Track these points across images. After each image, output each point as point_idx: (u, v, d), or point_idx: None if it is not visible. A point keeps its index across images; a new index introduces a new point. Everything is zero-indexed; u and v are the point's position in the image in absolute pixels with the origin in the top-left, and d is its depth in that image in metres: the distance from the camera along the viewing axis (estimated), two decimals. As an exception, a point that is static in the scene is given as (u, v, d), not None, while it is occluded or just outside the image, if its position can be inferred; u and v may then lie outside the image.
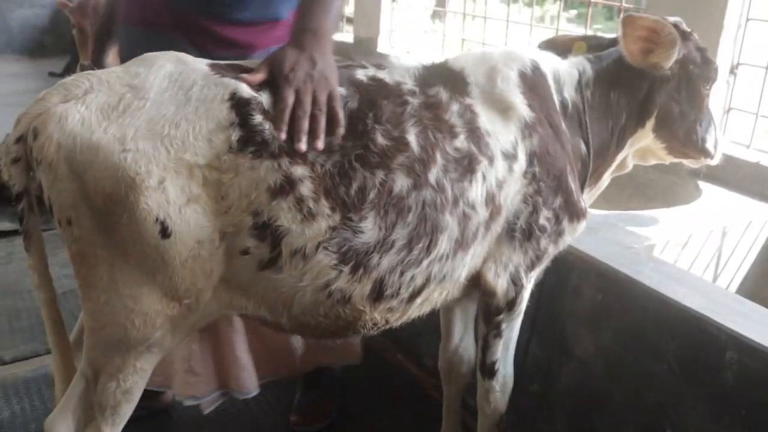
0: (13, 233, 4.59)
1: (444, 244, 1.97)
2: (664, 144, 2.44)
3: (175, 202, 1.71)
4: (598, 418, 2.48)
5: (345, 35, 6.76)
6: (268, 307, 1.94)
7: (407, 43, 6.00)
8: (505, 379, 2.33)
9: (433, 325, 2.97)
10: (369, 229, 1.86)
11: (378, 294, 1.94)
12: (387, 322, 2.06)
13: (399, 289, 1.96)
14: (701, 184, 3.40)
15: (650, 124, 2.37)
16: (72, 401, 2.00)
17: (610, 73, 2.32)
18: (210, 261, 1.80)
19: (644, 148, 2.48)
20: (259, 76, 1.82)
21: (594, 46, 2.43)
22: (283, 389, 3.16)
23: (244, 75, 1.82)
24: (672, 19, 2.35)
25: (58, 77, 9.38)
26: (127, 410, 1.94)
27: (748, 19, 3.45)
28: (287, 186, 1.77)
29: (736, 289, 3.17)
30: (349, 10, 6.48)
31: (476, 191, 1.99)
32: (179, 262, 1.75)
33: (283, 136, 1.76)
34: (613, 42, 2.37)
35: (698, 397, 2.15)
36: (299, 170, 1.78)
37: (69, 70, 9.42)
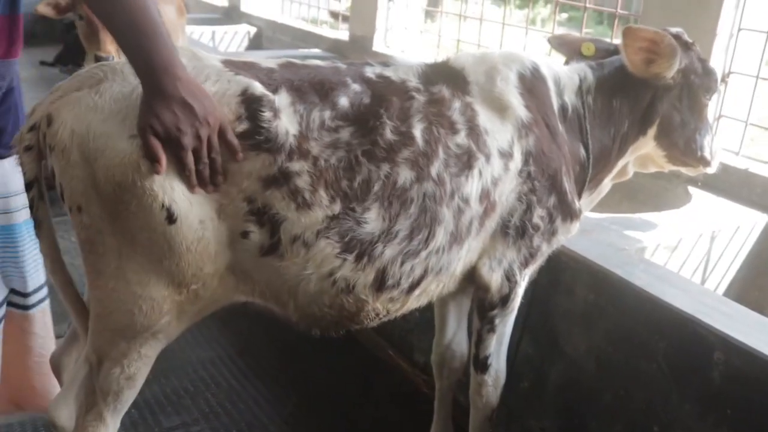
0: None
1: (441, 236, 2.03)
2: (665, 152, 2.49)
3: (178, 187, 1.75)
4: (588, 416, 2.54)
5: (340, 33, 6.78)
6: (274, 295, 1.99)
7: (402, 43, 6.03)
8: (498, 373, 2.38)
9: (424, 322, 3.02)
10: (373, 219, 1.93)
11: (380, 283, 2.00)
12: (388, 312, 2.11)
13: (400, 279, 2.02)
14: (691, 189, 3.46)
15: (652, 131, 2.42)
16: (75, 386, 2.04)
17: (612, 80, 2.37)
18: (214, 243, 1.84)
19: (645, 155, 2.53)
20: (158, 158, 1.71)
21: (601, 50, 2.47)
22: (276, 381, 3.21)
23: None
24: (674, 30, 2.40)
25: (49, 66, 9.34)
26: (129, 396, 1.97)
27: (740, 29, 3.52)
28: (281, 178, 1.83)
29: (723, 292, 3.24)
30: (345, 7, 6.49)
31: (471, 186, 2.06)
32: (185, 246, 1.79)
33: (207, 189, 1.78)
34: (619, 49, 2.40)
35: (686, 397, 2.21)
36: (297, 165, 1.84)
37: (60, 59, 9.36)
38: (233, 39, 7.74)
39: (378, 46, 5.94)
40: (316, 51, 6.58)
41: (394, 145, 1.94)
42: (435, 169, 1.99)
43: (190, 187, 1.74)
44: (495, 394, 2.41)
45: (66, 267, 2.00)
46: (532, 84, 2.22)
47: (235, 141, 1.77)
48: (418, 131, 1.98)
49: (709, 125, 2.51)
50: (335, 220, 1.89)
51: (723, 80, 3.63)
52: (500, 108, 2.14)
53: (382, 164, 1.92)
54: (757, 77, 3.53)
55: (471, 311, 2.44)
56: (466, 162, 2.04)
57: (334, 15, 8.21)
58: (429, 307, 2.65)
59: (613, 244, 2.68)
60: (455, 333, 2.67)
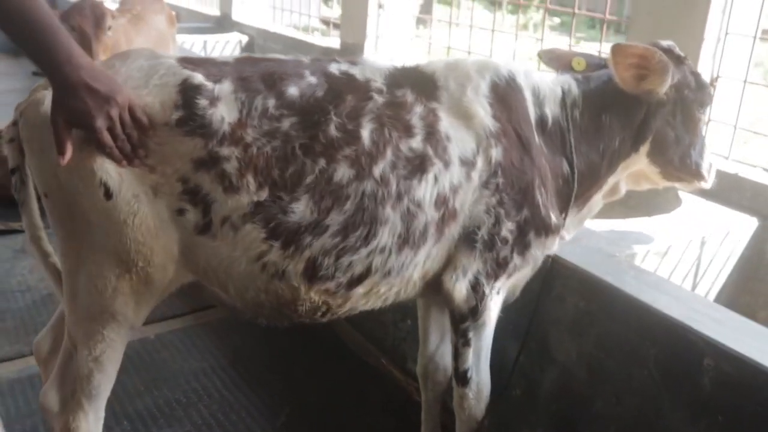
0: (-4, 234, 4.58)
1: (385, 236, 2.05)
2: (659, 169, 2.43)
3: (110, 165, 1.89)
4: (581, 423, 2.53)
5: (332, 40, 6.80)
6: (214, 277, 2.07)
7: (393, 50, 6.05)
8: (479, 386, 2.36)
9: (416, 331, 3.01)
10: (300, 210, 1.97)
11: (312, 273, 2.04)
12: (329, 306, 2.14)
13: (335, 272, 2.05)
14: (681, 194, 3.47)
15: (645, 148, 2.37)
16: (62, 373, 2.21)
17: (600, 95, 2.32)
18: (152, 218, 1.95)
19: (638, 172, 2.47)
20: (63, 151, 1.83)
21: (592, 65, 2.43)
22: (269, 391, 3.20)
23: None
24: (665, 43, 2.37)
25: (41, 76, 9.35)
26: (101, 381, 2.07)
27: (726, 33, 3.54)
28: (210, 162, 1.92)
29: (714, 297, 3.25)
30: (336, 15, 6.52)
31: (425, 191, 2.06)
32: (122, 219, 1.92)
33: (133, 162, 1.91)
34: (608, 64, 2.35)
35: (677, 403, 2.21)
36: (226, 151, 1.92)
37: (52, 69, 9.34)
38: (225, 48, 7.76)
39: (369, 53, 5.96)
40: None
41: (335, 142, 1.98)
42: (379, 169, 2.00)
43: (117, 162, 1.86)
44: (478, 407, 2.39)
45: (45, 241, 2.21)
46: (505, 93, 2.20)
47: (144, 118, 1.87)
48: (366, 131, 2.01)
49: (703, 139, 2.47)
50: (261, 206, 1.96)
51: (711, 84, 3.65)
52: (466, 116, 2.13)
53: (318, 158, 1.96)
54: (745, 81, 3.55)
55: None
56: (418, 165, 2.05)
57: (326, 22, 8.23)
58: (418, 318, 2.66)
59: (603, 251, 2.69)
60: (438, 346, 2.66)
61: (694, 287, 3.15)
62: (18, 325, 3.64)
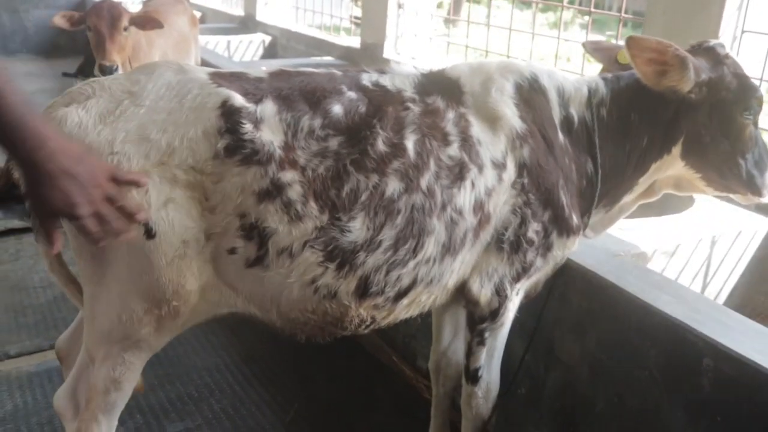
0: (21, 231, 4.70)
1: (431, 247, 2.04)
2: (699, 174, 2.29)
3: (156, 204, 1.79)
4: (583, 423, 2.53)
5: (352, 40, 6.83)
6: (257, 304, 2.02)
7: (413, 49, 6.07)
8: (489, 386, 2.38)
9: (426, 328, 3.03)
10: (357, 228, 1.94)
11: (363, 291, 2.02)
12: (374, 319, 2.12)
13: (384, 287, 2.03)
14: (695, 194, 3.43)
15: (677, 150, 2.25)
16: (76, 381, 2.18)
17: (629, 93, 2.26)
18: (197, 260, 1.87)
19: (678, 176, 2.35)
20: (53, 243, 1.59)
21: None
22: (280, 388, 3.24)
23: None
24: (713, 42, 2.26)
25: (71, 77, 9.53)
26: (117, 399, 2.04)
27: (743, 31, 3.48)
28: (274, 191, 1.85)
29: (725, 298, 3.20)
30: (356, 14, 6.55)
31: (465, 198, 2.05)
32: (165, 262, 1.83)
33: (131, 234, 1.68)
34: None
35: (677, 403, 2.19)
36: (288, 175, 1.85)
37: (82, 70, 9.55)
38: (248, 48, 7.84)
39: (388, 53, 5.98)
40: (328, 59, 6.64)
41: (384, 156, 1.95)
42: (425, 181, 1.99)
43: (95, 243, 1.59)
44: (486, 406, 2.41)
45: (66, 266, 2.13)
46: (529, 95, 2.19)
47: (130, 177, 1.66)
48: (410, 143, 1.99)
49: (761, 148, 2.27)
50: (322, 230, 1.91)
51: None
52: (493, 118, 2.12)
53: (371, 174, 1.94)
54: (761, 79, 3.49)
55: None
56: (458, 174, 2.04)
57: (357, 22, 8.26)
58: (432, 313, 2.67)
59: (608, 250, 2.67)
60: (451, 342, 2.68)
61: (704, 288, 3.12)
62: (39, 320, 3.74)
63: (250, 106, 1.87)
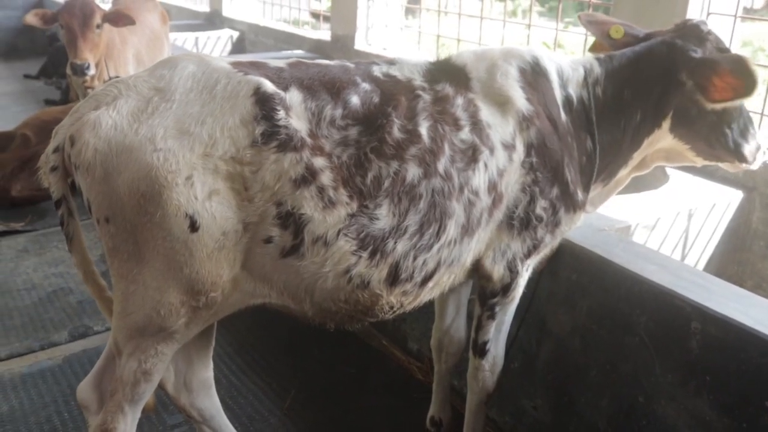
0: (0, 235, 4.65)
1: (452, 229, 2.10)
2: (688, 145, 2.41)
3: (201, 196, 1.81)
4: (576, 392, 2.63)
5: (322, 33, 6.86)
6: (291, 294, 2.05)
7: (384, 40, 6.12)
8: (495, 360, 2.47)
9: (415, 311, 3.10)
10: (384, 215, 1.99)
11: (394, 278, 2.06)
12: (402, 305, 2.18)
13: (413, 273, 2.09)
14: (669, 170, 3.56)
15: (666, 124, 2.37)
16: (101, 372, 2.17)
17: (623, 72, 2.35)
18: (234, 251, 1.90)
19: (667, 149, 2.46)
20: None
21: (630, 35, 2.45)
22: (275, 376, 3.29)
23: None
24: (695, 20, 2.36)
25: (33, 79, 9.38)
26: (146, 389, 2.05)
27: (709, 13, 3.61)
28: (309, 176, 1.88)
29: (703, 268, 3.34)
30: (325, 7, 6.57)
31: (479, 179, 2.12)
32: (206, 254, 1.85)
33: None
34: (648, 36, 2.40)
35: (667, 366, 2.31)
36: (319, 161, 1.89)
37: (44, 71, 9.41)
38: (216, 44, 7.80)
39: (360, 44, 6.02)
40: (299, 52, 6.66)
41: (402, 143, 2.00)
42: (442, 165, 2.05)
43: None
44: (491, 379, 2.49)
45: (98, 276, 2.11)
46: (533, 77, 2.27)
47: None
48: (424, 129, 2.05)
49: (745, 118, 2.40)
50: (353, 218, 1.95)
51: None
52: (501, 102, 2.20)
53: (391, 161, 1.99)
54: (728, 59, 3.62)
55: (473, 298, 2.51)
56: (471, 156, 2.11)
57: (315, 15, 8.28)
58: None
59: (593, 226, 2.77)
60: (454, 319, 2.75)
61: (683, 258, 3.24)
62: (26, 322, 3.72)
63: (281, 92, 1.90)
